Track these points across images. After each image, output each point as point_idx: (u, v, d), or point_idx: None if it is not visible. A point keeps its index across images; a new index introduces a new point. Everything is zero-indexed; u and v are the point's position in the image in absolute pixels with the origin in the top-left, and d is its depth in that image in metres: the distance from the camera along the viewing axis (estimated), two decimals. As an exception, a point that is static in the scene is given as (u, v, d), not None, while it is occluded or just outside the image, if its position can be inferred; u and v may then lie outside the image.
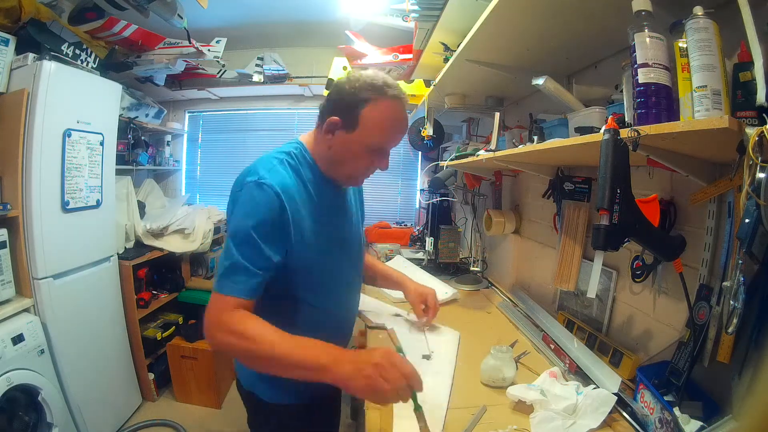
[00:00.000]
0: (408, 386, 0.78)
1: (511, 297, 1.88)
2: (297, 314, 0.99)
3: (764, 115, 0.63)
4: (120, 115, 2.43)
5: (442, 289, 1.88)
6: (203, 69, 2.98)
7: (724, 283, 0.73)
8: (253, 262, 0.87)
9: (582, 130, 0.99)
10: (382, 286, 1.49)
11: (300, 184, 0.96)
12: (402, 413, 0.91)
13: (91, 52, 2.20)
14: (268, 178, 0.89)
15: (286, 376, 0.83)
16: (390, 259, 2.59)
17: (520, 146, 1.34)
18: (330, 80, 2.67)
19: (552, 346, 1.30)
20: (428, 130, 2.50)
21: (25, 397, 1.72)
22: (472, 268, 2.32)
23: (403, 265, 2.32)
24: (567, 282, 1.42)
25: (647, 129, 0.71)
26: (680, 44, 0.70)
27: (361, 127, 0.94)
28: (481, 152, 1.62)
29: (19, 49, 1.88)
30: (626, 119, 0.87)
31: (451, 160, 2.10)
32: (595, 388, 0.99)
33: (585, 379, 1.08)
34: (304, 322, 0.98)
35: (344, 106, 0.94)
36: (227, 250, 0.88)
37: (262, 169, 0.92)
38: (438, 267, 2.33)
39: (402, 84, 2.56)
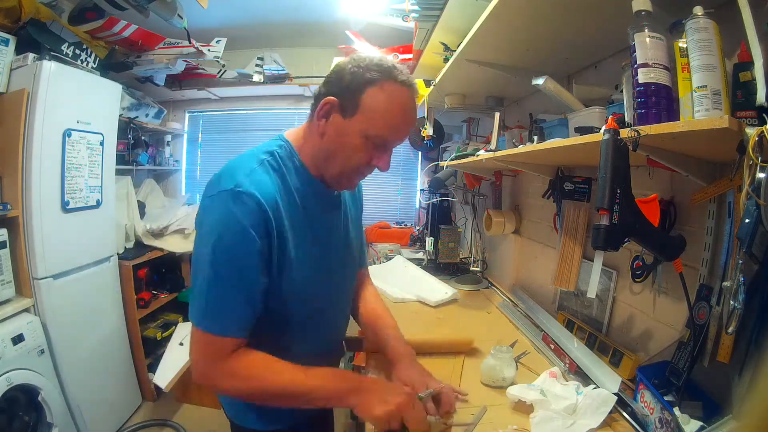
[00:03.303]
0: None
1: (511, 297, 1.88)
2: (284, 335, 0.88)
3: (764, 115, 0.63)
4: (120, 115, 2.43)
5: (442, 289, 1.88)
6: (203, 69, 2.98)
7: (724, 283, 0.73)
8: (243, 290, 0.76)
9: (582, 130, 0.99)
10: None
11: (284, 191, 0.81)
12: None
13: (91, 52, 2.20)
14: (247, 185, 0.75)
15: (301, 407, 0.80)
16: (390, 258, 2.59)
17: (520, 146, 1.34)
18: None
19: (552, 346, 1.30)
20: (428, 130, 2.50)
21: (25, 397, 1.72)
22: (472, 268, 2.32)
23: (402, 264, 2.32)
24: (567, 282, 1.42)
25: (647, 129, 0.71)
26: (680, 44, 0.69)
27: (361, 113, 0.78)
28: (481, 152, 1.62)
29: (19, 49, 1.87)
30: (626, 119, 0.87)
31: (451, 160, 2.10)
32: (595, 388, 0.99)
33: (585, 379, 1.08)
34: (291, 343, 0.88)
35: (344, 86, 0.79)
36: (205, 277, 0.74)
37: (240, 173, 0.77)
38: (438, 267, 2.33)
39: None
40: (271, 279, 0.80)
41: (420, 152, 3.44)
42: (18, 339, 1.66)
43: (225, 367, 0.76)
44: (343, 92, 0.79)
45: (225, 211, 0.74)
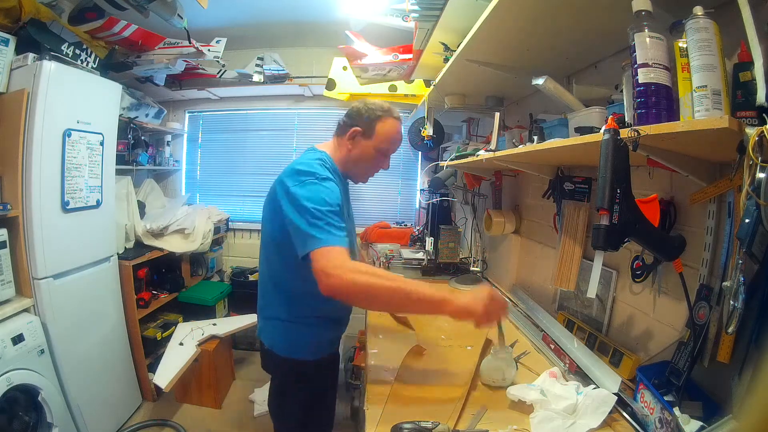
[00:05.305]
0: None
1: (511, 297, 1.88)
2: None
3: (764, 115, 0.63)
4: (120, 115, 2.43)
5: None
6: (203, 69, 2.98)
7: (724, 283, 0.73)
8: (340, 224, 1.07)
9: (582, 130, 0.99)
10: None
11: (336, 179, 1.22)
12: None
13: (91, 52, 2.20)
14: (326, 175, 1.15)
15: (406, 308, 1.15)
16: (390, 258, 2.59)
17: (520, 146, 1.34)
18: (330, 80, 2.67)
19: (552, 346, 1.30)
20: (428, 130, 2.50)
21: (25, 397, 1.72)
22: (472, 268, 2.32)
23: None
24: (567, 282, 1.42)
25: (647, 129, 0.71)
26: (680, 44, 0.70)
27: (375, 136, 1.25)
28: (481, 152, 1.62)
29: (19, 49, 1.87)
30: (626, 119, 0.87)
31: (451, 160, 2.10)
32: (595, 388, 0.99)
33: (585, 379, 1.08)
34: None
35: (363, 120, 1.24)
36: (313, 215, 1.03)
37: (316, 169, 1.14)
38: (438, 267, 2.33)
39: (402, 84, 2.56)
40: None
41: (420, 152, 3.44)
42: (18, 339, 1.66)
43: (350, 264, 1.00)
44: (362, 124, 1.24)
45: (320, 187, 1.09)
